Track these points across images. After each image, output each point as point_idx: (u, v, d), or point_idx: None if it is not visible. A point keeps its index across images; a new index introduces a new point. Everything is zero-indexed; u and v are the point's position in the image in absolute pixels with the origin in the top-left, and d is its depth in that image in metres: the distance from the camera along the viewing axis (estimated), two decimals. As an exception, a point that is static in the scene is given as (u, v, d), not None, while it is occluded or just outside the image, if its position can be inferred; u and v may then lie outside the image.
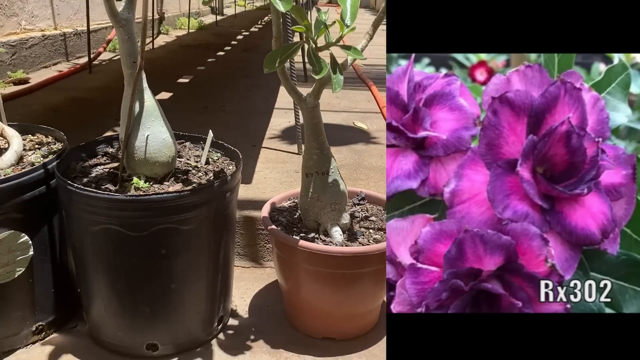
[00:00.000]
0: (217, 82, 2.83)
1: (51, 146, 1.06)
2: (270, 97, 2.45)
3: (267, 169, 1.54)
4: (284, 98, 2.43)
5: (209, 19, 6.56)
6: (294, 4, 0.79)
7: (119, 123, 1.98)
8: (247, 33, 5.48)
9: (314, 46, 0.86)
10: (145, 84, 0.93)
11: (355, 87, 2.79)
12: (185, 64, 3.26)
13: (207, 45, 4.29)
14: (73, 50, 3.18)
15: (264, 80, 2.84)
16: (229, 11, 7.94)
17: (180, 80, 2.75)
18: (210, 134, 1.04)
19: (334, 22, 0.87)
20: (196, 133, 1.13)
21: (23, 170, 0.90)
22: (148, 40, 4.23)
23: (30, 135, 1.09)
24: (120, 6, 0.89)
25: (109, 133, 1.80)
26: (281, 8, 0.76)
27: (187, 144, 1.11)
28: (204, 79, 2.88)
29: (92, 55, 2.99)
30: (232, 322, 1.07)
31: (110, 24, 3.69)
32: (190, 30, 5.25)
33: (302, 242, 0.93)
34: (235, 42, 4.63)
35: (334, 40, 0.87)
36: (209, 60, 3.54)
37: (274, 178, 1.47)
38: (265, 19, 7.30)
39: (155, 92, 0.95)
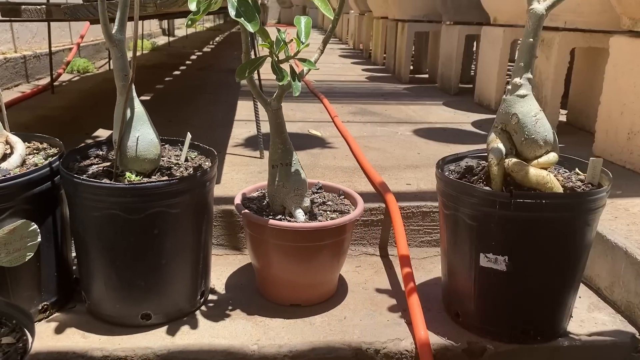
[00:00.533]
0: (177, 98, 2.99)
1: (47, 151, 1.21)
2: (229, 111, 2.63)
3: (233, 171, 1.72)
4: (242, 111, 2.62)
5: (161, 40, 6.68)
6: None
7: (90, 136, 2.14)
8: (200, 53, 5.64)
9: (276, 59, 1.06)
10: (134, 94, 1.10)
11: (308, 100, 3.01)
12: (144, 83, 3.40)
13: (162, 65, 4.43)
14: (33, 72, 3.27)
15: (222, 97, 3.02)
16: (180, 32, 8.07)
17: (142, 97, 2.89)
18: (189, 136, 1.22)
19: (292, 40, 1.07)
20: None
21: (33, 168, 1.06)
22: (104, 62, 4.35)
23: (27, 143, 1.24)
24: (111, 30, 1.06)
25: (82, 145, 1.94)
26: (250, 29, 0.95)
27: (167, 146, 1.28)
28: (164, 96, 3.03)
29: (52, 73, 3.08)
30: (211, 297, 1.24)
31: (68, 47, 3.81)
32: (143, 52, 5.37)
33: (272, 221, 1.12)
34: (190, 62, 4.79)
35: (292, 54, 1.07)
36: (167, 79, 3.69)
37: (240, 178, 1.66)
38: (217, 39, 7.48)
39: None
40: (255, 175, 1.68)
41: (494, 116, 1.12)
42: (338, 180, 1.65)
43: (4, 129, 1.16)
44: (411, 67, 4.12)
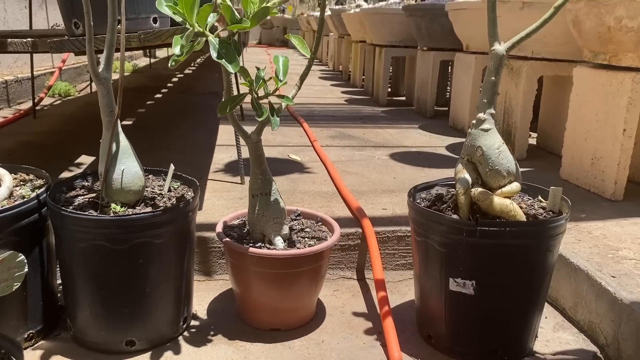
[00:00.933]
0: (159, 123, 3.03)
1: (34, 182, 1.25)
2: (211, 135, 2.68)
3: (215, 197, 1.77)
4: (223, 135, 2.67)
5: (143, 61, 6.71)
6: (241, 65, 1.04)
7: (73, 162, 2.17)
8: (181, 75, 5.69)
9: (256, 96, 1.12)
10: (120, 129, 1.15)
11: (288, 124, 3.08)
12: (126, 107, 3.43)
13: (144, 88, 4.47)
14: (14, 96, 3.29)
15: (204, 120, 3.08)
16: (161, 53, 8.11)
17: (124, 122, 2.93)
18: (172, 167, 1.27)
19: (270, 77, 1.14)
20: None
21: (22, 200, 1.10)
22: (85, 84, 4.37)
23: (13, 174, 1.27)
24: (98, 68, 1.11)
25: (65, 173, 1.97)
26: (231, 70, 1.01)
27: (151, 176, 1.33)
28: (146, 121, 3.07)
29: (33, 98, 3.10)
30: (194, 322, 1.28)
31: (50, 70, 3.83)
32: (125, 74, 5.40)
33: (252, 249, 1.17)
34: (171, 85, 4.83)
35: (271, 91, 1.14)
36: (148, 102, 3.73)
37: (221, 204, 1.70)
38: (198, 60, 7.54)
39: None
40: (236, 201, 1.73)
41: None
42: (317, 206, 1.70)
43: (-8, 162, 1.20)
44: (389, 89, 4.22)
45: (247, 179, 1.93)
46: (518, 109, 2.30)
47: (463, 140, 2.98)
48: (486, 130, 1.14)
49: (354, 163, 2.27)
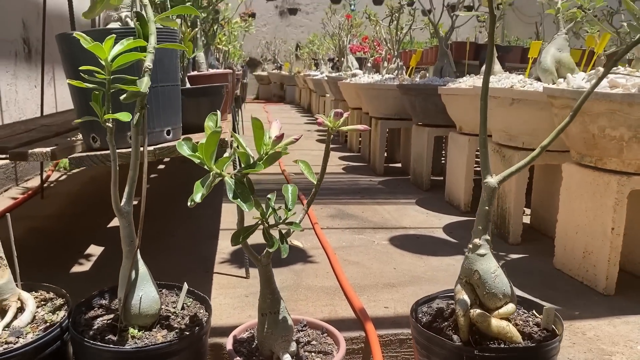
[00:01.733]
0: (163, 201, 3.11)
1: (54, 302, 1.31)
2: (215, 217, 2.76)
3: (221, 295, 1.83)
4: (227, 217, 2.75)
5: (144, 124, 6.86)
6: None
7: (83, 254, 2.22)
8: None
9: (267, 225, 1.21)
10: (139, 256, 1.22)
11: (288, 201, 3.16)
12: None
13: (147, 157, 4.56)
14: (22, 174, 3.38)
15: (207, 198, 3.15)
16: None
17: (129, 201, 3.01)
18: (185, 286, 1.34)
19: (280, 207, 1.22)
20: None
21: (45, 329, 1.16)
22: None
23: (33, 292, 1.34)
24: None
25: (77, 267, 2.04)
26: (246, 209, 1.10)
27: (164, 291, 1.40)
28: (150, 200, 3.13)
29: (42, 178, 3.18)
30: None
31: (56, 146, 3.90)
32: (127, 139, 5.52)
33: (262, 370, 1.22)
34: (173, 152, 4.94)
35: (281, 221, 1.22)
36: (152, 175, 3.82)
37: (228, 304, 1.76)
38: (198, 121, 7.70)
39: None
40: (242, 299, 1.79)
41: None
42: (321, 304, 1.76)
43: (17, 285, 1.27)
44: (385, 154, 4.34)
45: (252, 271, 2.00)
46: (511, 195, 2.40)
47: (459, 219, 3.01)
48: (482, 255, 1.22)
49: (354, 249, 2.34)
